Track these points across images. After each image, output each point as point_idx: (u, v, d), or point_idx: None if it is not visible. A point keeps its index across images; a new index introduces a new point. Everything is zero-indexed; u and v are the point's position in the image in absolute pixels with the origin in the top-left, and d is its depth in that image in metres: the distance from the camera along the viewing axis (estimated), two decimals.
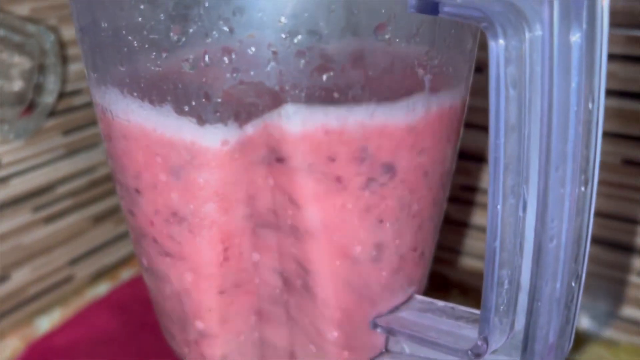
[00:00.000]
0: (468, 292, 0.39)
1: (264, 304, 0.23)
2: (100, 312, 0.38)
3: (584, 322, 0.36)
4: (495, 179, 0.17)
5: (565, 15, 0.15)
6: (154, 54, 0.18)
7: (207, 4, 0.17)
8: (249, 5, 0.17)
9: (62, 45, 0.35)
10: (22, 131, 0.34)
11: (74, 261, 0.39)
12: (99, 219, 0.40)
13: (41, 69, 0.34)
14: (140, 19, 0.18)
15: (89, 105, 0.37)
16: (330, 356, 0.23)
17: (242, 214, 0.21)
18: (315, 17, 0.17)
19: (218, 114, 0.19)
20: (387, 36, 0.18)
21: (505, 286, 0.18)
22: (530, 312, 0.18)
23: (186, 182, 0.20)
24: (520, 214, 0.18)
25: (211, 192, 0.20)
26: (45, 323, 0.37)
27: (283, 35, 0.18)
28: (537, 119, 0.17)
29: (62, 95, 0.36)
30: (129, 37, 0.19)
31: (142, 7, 0.18)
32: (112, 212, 0.41)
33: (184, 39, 0.18)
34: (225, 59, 0.18)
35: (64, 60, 0.35)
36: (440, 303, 0.23)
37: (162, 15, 0.18)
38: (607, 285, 0.35)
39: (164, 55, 0.18)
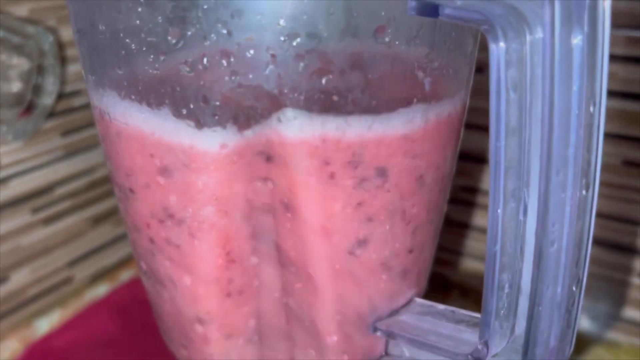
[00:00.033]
0: (468, 293, 0.39)
1: (263, 307, 0.23)
2: (100, 313, 0.38)
3: (585, 323, 0.36)
4: (495, 183, 0.17)
5: (567, 18, 0.15)
6: (152, 56, 0.18)
7: (205, 7, 0.17)
8: (248, 7, 0.17)
9: (61, 46, 0.35)
10: (20, 132, 0.34)
11: (73, 262, 0.39)
12: (98, 220, 0.40)
13: (40, 70, 0.34)
14: (138, 22, 0.18)
15: (87, 106, 0.37)
16: None
17: (240, 217, 0.21)
18: (314, 20, 0.17)
19: (216, 117, 0.19)
20: (386, 39, 0.18)
21: (506, 290, 0.18)
22: (531, 316, 0.18)
23: (184, 186, 0.20)
24: (521, 217, 0.18)
25: (209, 195, 0.20)
26: (45, 324, 0.37)
27: (282, 38, 0.18)
28: (538, 122, 0.17)
29: (61, 97, 0.36)
30: (127, 40, 0.18)
31: (139, 9, 0.18)
32: (111, 214, 0.41)
33: (182, 42, 0.18)
34: (224, 62, 0.18)
35: (63, 61, 0.35)
36: (441, 306, 0.23)
37: (160, 17, 0.18)
38: (608, 287, 0.35)
39: (162, 58, 0.18)
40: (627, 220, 0.33)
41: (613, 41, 0.16)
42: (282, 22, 0.17)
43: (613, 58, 0.16)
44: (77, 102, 0.37)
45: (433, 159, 0.21)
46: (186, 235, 0.21)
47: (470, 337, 0.21)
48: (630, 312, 0.35)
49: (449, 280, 0.40)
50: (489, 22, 0.16)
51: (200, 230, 0.20)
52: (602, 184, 0.17)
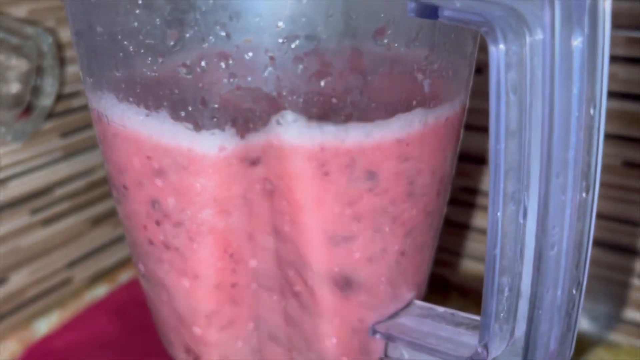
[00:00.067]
0: (468, 294, 0.39)
1: (262, 310, 0.23)
2: (99, 314, 0.38)
3: (585, 325, 0.36)
4: (495, 185, 0.17)
5: (567, 19, 0.15)
6: (150, 59, 0.18)
7: (203, 9, 0.17)
8: (246, 10, 0.17)
9: (59, 47, 0.35)
10: (19, 134, 0.34)
11: (72, 264, 0.39)
12: (97, 221, 0.40)
13: (39, 71, 0.34)
14: (136, 24, 0.18)
15: (87, 107, 0.37)
16: None
17: (239, 219, 0.20)
18: (313, 22, 0.17)
19: (215, 119, 0.19)
20: (386, 41, 0.18)
21: (506, 293, 0.18)
22: (531, 320, 0.18)
23: (182, 188, 0.20)
24: (521, 220, 0.18)
25: (208, 198, 0.20)
26: (44, 326, 0.37)
27: (280, 40, 0.17)
28: (538, 125, 0.16)
29: (60, 98, 0.36)
30: (125, 42, 0.18)
31: (137, 11, 0.18)
32: (111, 215, 0.41)
33: (180, 44, 0.18)
34: (222, 64, 0.18)
35: (62, 62, 0.35)
36: (440, 309, 0.23)
37: (158, 20, 0.18)
38: (608, 288, 0.35)
39: (160, 60, 0.18)
40: (627, 221, 0.33)
41: (613, 42, 0.16)
42: (280, 24, 0.17)
43: (613, 59, 0.16)
44: (76, 103, 0.37)
45: (433, 161, 0.21)
46: (184, 237, 0.21)
47: (470, 339, 0.21)
48: (630, 313, 0.35)
49: (449, 281, 0.40)
50: (489, 24, 0.16)
51: (199, 233, 0.20)
52: (602, 184, 0.17)
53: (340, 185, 0.20)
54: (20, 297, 0.36)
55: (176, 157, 0.19)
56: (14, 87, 0.32)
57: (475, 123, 0.29)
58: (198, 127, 0.19)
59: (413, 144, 0.20)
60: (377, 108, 0.19)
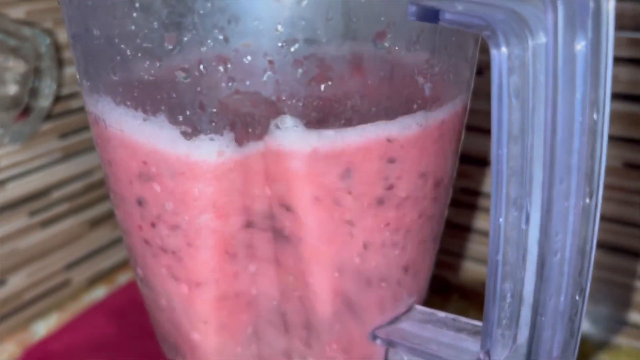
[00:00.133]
0: (469, 296, 0.39)
1: (261, 315, 0.22)
2: (97, 316, 0.38)
3: (585, 326, 0.36)
4: (497, 191, 0.17)
5: (570, 23, 0.15)
6: (148, 62, 0.18)
7: (201, 12, 0.17)
8: (245, 13, 0.17)
9: (57, 48, 0.35)
10: (17, 135, 0.34)
11: (71, 266, 0.39)
12: (95, 223, 0.40)
13: (37, 72, 0.33)
14: (133, 27, 0.18)
15: (85, 109, 0.37)
16: None
17: (238, 225, 0.20)
18: (312, 25, 0.17)
19: (213, 124, 0.18)
20: (386, 44, 0.18)
21: (508, 299, 0.18)
22: (534, 326, 0.18)
23: (181, 193, 0.20)
24: (523, 226, 0.17)
25: (206, 203, 0.20)
26: (42, 328, 0.37)
27: (279, 44, 0.17)
28: (541, 130, 0.16)
29: (58, 99, 0.35)
30: (122, 46, 0.18)
31: (135, 14, 0.17)
32: (109, 216, 0.40)
33: (178, 48, 0.17)
34: (221, 68, 0.18)
35: (60, 63, 0.35)
36: (441, 314, 0.23)
37: (155, 23, 0.17)
38: (608, 289, 0.35)
39: (158, 64, 0.18)
40: (627, 223, 0.33)
41: (615, 43, 0.16)
42: (279, 27, 0.17)
43: (615, 60, 0.16)
44: (74, 104, 0.37)
45: (434, 164, 0.21)
46: (183, 243, 0.20)
47: (471, 346, 0.21)
48: (630, 315, 0.35)
49: (450, 283, 0.40)
50: (491, 27, 0.16)
51: (197, 238, 0.20)
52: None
53: (339, 189, 0.19)
54: (18, 299, 0.36)
55: (174, 162, 0.19)
56: (12, 89, 0.32)
57: (476, 124, 0.29)
58: (196, 131, 0.18)
59: (414, 147, 0.20)
60: (377, 112, 0.19)
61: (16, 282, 0.36)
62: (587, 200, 0.16)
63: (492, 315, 0.18)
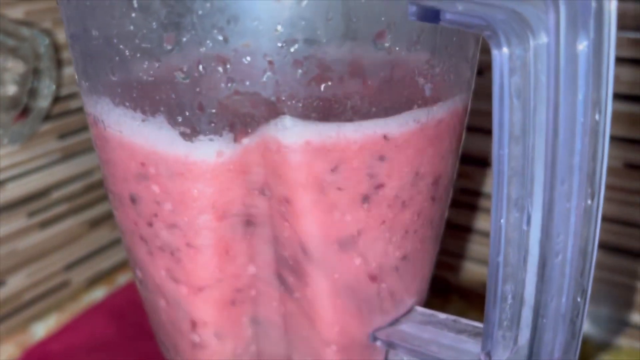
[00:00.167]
0: (469, 297, 0.39)
1: (261, 316, 0.22)
2: (97, 317, 0.38)
3: (586, 327, 0.36)
4: (498, 191, 0.17)
5: (572, 23, 0.15)
6: (147, 63, 0.18)
7: (200, 12, 0.17)
8: (244, 13, 0.17)
9: (56, 48, 0.35)
10: (16, 136, 0.33)
11: (70, 266, 0.39)
12: (94, 223, 0.40)
13: (35, 73, 0.33)
14: (131, 27, 0.18)
15: (84, 109, 0.37)
16: None
17: (238, 226, 0.20)
18: (312, 26, 0.17)
19: (213, 124, 0.18)
20: (387, 44, 0.18)
21: (509, 301, 0.18)
22: (535, 328, 0.18)
23: (180, 194, 0.19)
24: (525, 227, 0.17)
25: (206, 203, 0.19)
26: (41, 329, 0.37)
27: (279, 44, 0.17)
28: (542, 130, 0.16)
29: (57, 99, 0.35)
30: (121, 46, 0.18)
31: (133, 15, 0.17)
32: (108, 217, 0.40)
33: (177, 48, 0.17)
34: (220, 68, 0.17)
35: (59, 63, 0.35)
36: (442, 315, 0.23)
37: (154, 23, 0.17)
38: (609, 290, 0.35)
39: (157, 64, 0.18)
40: (628, 223, 0.33)
41: (617, 43, 0.15)
42: (279, 27, 0.17)
43: (616, 60, 0.16)
44: (73, 104, 0.37)
45: (435, 164, 0.21)
46: (182, 243, 0.20)
47: (472, 347, 0.21)
48: (631, 315, 0.35)
49: (450, 283, 0.40)
50: (492, 27, 0.16)
51: (197, 239, 0.20)
52: None
53: (340, 189, 0.19)
54: (17, 300, 0.36)
55: (173, 163, 0.19)
56: (11, 89, 0.32)
57: (476, 124, 0.29)
58: (195, 132, 0.18)
59: (414, 147, 0.20)
60: (377, 112, 0.19)
61: (15, 282, 0.36)
62: (589, 202, 0.16)
63: (493, 316, 0.18)
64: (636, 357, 0.34)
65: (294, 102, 0.18)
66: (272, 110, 0.18)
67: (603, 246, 0.34)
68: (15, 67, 0.32)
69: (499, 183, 0.17)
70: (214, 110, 0.18)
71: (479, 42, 0.21)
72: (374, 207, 0.20)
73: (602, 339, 0.35)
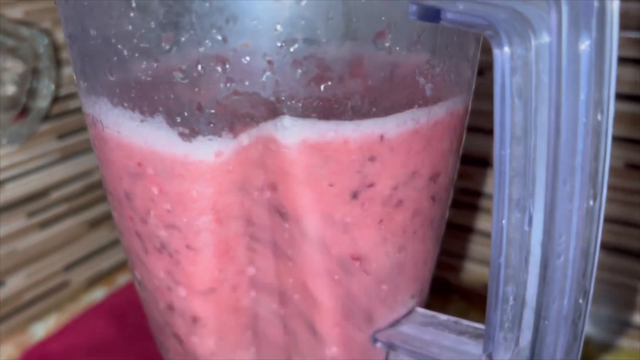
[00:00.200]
0: (470, 297, 0.39)
1: (261, 319, 0.22)
2: (97, 318, 0.38)
3: (587, 328, 0.36)
4: (500, 192, 0.17)
5: (574, 23, 0.15)
6: (145, 63, 0.18)
7: (199, 12, 0.17)
8: (243, 12, 0.17)
9: (56, 48, 0.35)
10: (15, 136, 0.33)
11: (70, 267, 0.39)
12: (94, 223, 0.40)
13: (35, 73, 0.33)
14: (130, 27, 0.17)
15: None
16: None
17: (237, 227, 0.20)
18: (312, 25, 0.17)
19: (211, 125, 0.18)
20: (387, 44, 0.18)
21: (510, 302, 0.18)
22: (537, 330, 0.18)
23: (179, 195, 0.19)
24: (526, 228, 0.17)
25: (205, 204, 0.19)
26: (41, 329, 0.37)
27: (279, 44, 0.17)
28: (544, 131, 0.16)
29: (56, 99, 0.35)
30: (119, 46, 0.18)
31: (131, 14, 0.17)
32: (108, 217, 0.40)
33: (175, 48, 0.17)
34: (219, 68, 0.17)
35: (58, 63, 0.35)
36: (443, 317, 0.22)
37: (152, 23, 0.17)
38: (610, 290, 0.35)
39: (155, 64, 0.18)
40: (628, 224, 0.33)
41: (619, 43, 0.15)
42: (279, 27, 0.17)
43: (618, 60, 0.16)
44: (72, 104, 0.37)
45: (435, 164, 0.21)
46: (181, 245, 0.20)
47: (473, 349, 0.20)
48: (632, 316, 0.35)
49: (451, 284, 0.40)
50: (493, 27, 0.16)
51: (196, 240, 0.20)
52: None
53: (340, 189, 0.19)
54: (17, 300, 0.36)
55: (172, 163, 0.19)
56: (10, 90, 0.32)
57: (477, 124, 0.29)
58: (194, 133, 0.18)
59: (415, 147, 0.20)
60: (377, 113, 0.19)
61: (15, 283, 0.36)
62: (591, 202, 0.16)
63: (494, 318, 0.18)
64: (636, 357, 0.34)
65: (293, 102, 0.18)
66: (272, 111, 0.18)
67: (603, 246, 0.34)
68: (14, 67, 0.32)
69: (501, 184, 0.17)
70: (213, 111, 0.18)
71: (480, 41, 0.21)
72: (369, 206, 0.20)
73: (603, 340, 0.35)
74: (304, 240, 0.20)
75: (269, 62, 0.17)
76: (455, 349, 0.21)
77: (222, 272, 0.21)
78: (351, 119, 0.18)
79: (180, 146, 0.18)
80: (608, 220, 0.33)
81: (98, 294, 0.40)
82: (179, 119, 0.18)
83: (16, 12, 0.33)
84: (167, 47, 0.17)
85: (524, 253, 0.17)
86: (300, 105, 0.18)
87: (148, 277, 0.22)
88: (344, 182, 0.19)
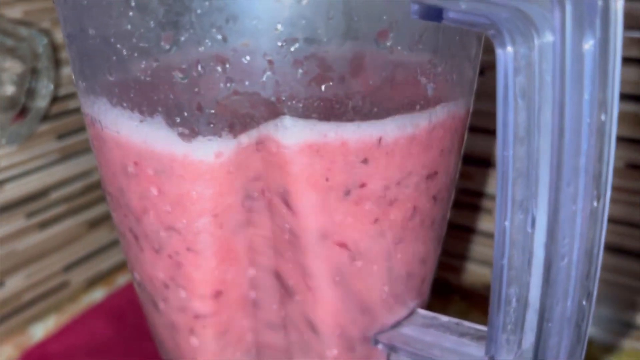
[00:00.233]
0: (471, 297, 0.39)
1: (261, 320, 0.22)
2: (96, 318, 0.38)
3: (590, 329, 0.36)
4: (502, 193, 0.17)
5: (578, 22, 0.15)
6: (144, 62, 0.18)
7: (199, 11, 0.16)
8: (243, 12, 0.16)
9: (55, 48, 0.34)
10: (14, 136, 0.33)
11: (69, 267, 0.39)
12: (93, 224, 0.40)
13: (34, 73, 0.33)
14: (129, 27, 0.17)
15: None
16: None
17: (237, 227, 0.20)
18: (313, 24, 0.17)
19: (211, 125, 0.18)
20: (388, 44, 0.18)
21: (513, 304, 0.18)
22: (540, 331, 0.18)
23: (178, 196, 0.19)
24: (529, 230, 0.17)
25: (204, 205, 0.19)
26: (40, 330, 0.37)
27: (279, 44, 0.17)
28: (548, 131, 0.16)
29: (55, 99, 0.35)
30: (118, 45, 0.18)
31: (131, 14, 0.17)
32: (107, 217, 0.40)
33: (175, 48, 0.17)
34: (219, 68, 0.17)
35: (57, 63, 0.35)
36: (444, 318, 0.22)
37: (152, 22, 0.17)
38: (610, 290, 0.35)
39: (155, 64, 0.18)
40: (629, 224, 0.33)
41: (623, 43, 0.15)
42: (279, 26, 0.17)
43: (622, 60, 0.16)
44: (72, 104, 0.36)
45: (436, 164, 0.21)
46: (180, 246, 0.20)
47: (475, 351, 0.20)
48: (632, 316, 0.35)
49: (451, 284, 0.40)
50: (496, 26, 0.15)
51: (196, 241, 0.20)
52: None
53: (340, 190, 0.19)
54: (16, 301, 0.36)
55: (171, 164, 0.19)
56: (9, 90, 0.32)
57: (478, 124, 0.29)
58: (194, 133, 0.18)
59: (417, 147, 0.20)
60: (378, 113, 0.18)
61: (14, 283, 0.35)
62: (595, 204, 0.16)
63: (496, 320, 0.18)
64: (636, 357, 0.34)
65: (294, 102, 0.18)
66: (272, 111, 0.18)
67: (605, 247, 0.34)
68: (13, 67, 0.32)
69: (504, 184, 0.17)
70: (212, 111, 0.18)
71: (482, 41, 0.21)
72: (363, 205, 0.20)
73: (605, 341, 0.35)
74: (304, 241, 0.20)
75: (270, 62, 0.17)
76: (457, 350, 0.21)
77: (222, 273, 0.21)
78: (352, 119, 0.18)
79: (179, 146, 0.18)
80: (609, 220, 0.33)
81: (98, 295, 0.40)
82: (178, 119, 0.18)
83: (15, 12, 0.33)
84: (167, 46, 0.17)
85: (527, 255, 0.17)
86: (300, 105, 0.18)
87: (147, 278, 0.22)
88: (338, 180, 0.19)
